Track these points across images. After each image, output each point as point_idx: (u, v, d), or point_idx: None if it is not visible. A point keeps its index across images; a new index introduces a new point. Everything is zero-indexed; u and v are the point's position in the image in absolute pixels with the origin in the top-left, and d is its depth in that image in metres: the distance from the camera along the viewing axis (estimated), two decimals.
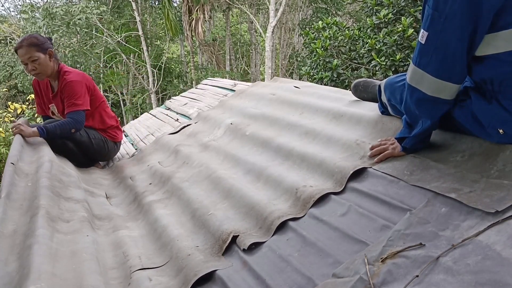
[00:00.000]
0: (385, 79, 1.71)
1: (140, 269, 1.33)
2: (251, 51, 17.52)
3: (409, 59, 5.06)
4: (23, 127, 2.24)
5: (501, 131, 1.22)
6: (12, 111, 7.94)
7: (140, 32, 12.84)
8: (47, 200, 1.60)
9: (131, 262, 1.38)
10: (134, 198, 2.01)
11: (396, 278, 0.93)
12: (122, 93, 15.72)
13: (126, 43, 13.57)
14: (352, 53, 5.82)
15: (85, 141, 2.48)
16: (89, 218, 1.65)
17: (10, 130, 2.32)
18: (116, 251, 1.50)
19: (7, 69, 12.94)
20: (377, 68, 5.17)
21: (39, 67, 2.30)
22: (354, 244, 1.13)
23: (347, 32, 5.84)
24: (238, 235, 1.36)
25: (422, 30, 1.21)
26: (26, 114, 8.43)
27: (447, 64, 1.19)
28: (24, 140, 2.19)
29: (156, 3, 15.69)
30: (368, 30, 5.73)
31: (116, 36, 12.79)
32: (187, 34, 13.57)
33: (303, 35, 6.97)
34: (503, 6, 1.06)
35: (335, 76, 5.65)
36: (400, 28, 5.10)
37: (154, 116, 3.83)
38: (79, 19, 10.82)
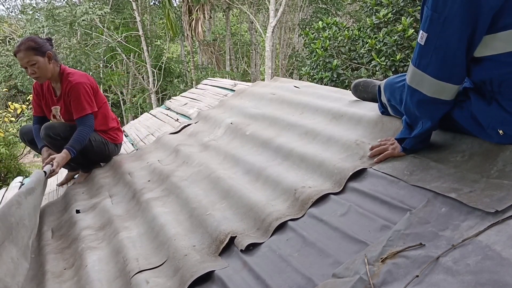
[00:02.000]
0: (385, 80, 1.71)
1: (138, 272, 1.33)
2: (251, 51, 17.52)
3: (409, 59, 5.06)
4: (57, 161, 2.21)
5: (501, 131, 1.22)
6: (12, 111, 7.94)
7: (140, 32, 12.85)
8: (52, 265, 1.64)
9: (130, 266, 1.39)
10: (133, 195, 2.01)
11: (396, 278, 0.93)
12: (122, 93, 15.72)
13: (126, 42, 13.57)
14: (352, 53, 5.82)
15: (86, 144, 2.47)
16: (87, 246, 1.66)
17: (42, 166, 2.24)
18: (117, 257, 1.51)
19: (7, 69, 12.94)
20: (377, 68, 5.17)
21: (39, 70, 2.26)
22: (354, 244, 1.13)
23: (346, 32, 5.83)
24: (236, 236, 1.36)
25: (421, 31, 1.20)
26: (26, 114, 8.43)
27: (447, 65, 1.19)
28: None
29: (156, 3, 15.70)
30: (368, 30, 5.72)
31: (116, 36, 12.80)
32: (187, 34, 13.57)
33: (303, 35, 6.97)
34: (502, 7, 1.06)
35: (335, 76, 5.65)
36: (400, 28, 5.10)
37: (154, 116, 3.83)
38: (83, 20, 10.83)
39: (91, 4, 11.52)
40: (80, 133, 2.36)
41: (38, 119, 2.57)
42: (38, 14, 11.72)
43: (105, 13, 11.36)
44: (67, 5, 11.66)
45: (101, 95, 2.62)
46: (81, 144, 2.35)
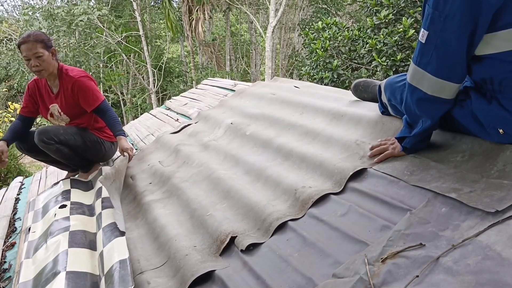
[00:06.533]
0: (385, 79, 1.71)
1: (139, 273, 1.33)
2: (251, 51, 17.53)
3: (409, 59, 5.05)
4: (127, 148, 2.41)
5: (501, 131, 1.22)
6: (12, 111, 7.94)
7: (141, 32, 12.85)
8: None
9: (131, 267, 1.38)
10: (134, 198, 2.02)
11: (396, 278, 0.93)
12: (122, 93, 15.73)
13: (126, 43, 13.58)
14: (352, 54, 5.82)
15: (81, 145, 2.47)
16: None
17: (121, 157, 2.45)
18: None
19: (6, 69, 12.94)
20: (378, 68, 5.17)
21: (43, 63, 2.29)
22: (354, 244, 1.13)
23: (346, 32, 5.83)
24: (236, 236, 1.36)
25: (422, 30, 1.21)
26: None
27: (447, 63, 1.19)
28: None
29: (157, 2, 15.70)
30: (368, 30, 5.72)
31: (117, 36, 12.80)
32: (187, 34, 13.58)
33: (303, 35, 6.97)
34: (503, 6, 1.06)
35: (335, 76, 5.64)
36: (401, 29, 5.09)
37: (154, 116, 3.83)
38: (81, 21, 10.82)
39: (90, 4, 11.51)
40: (111, 118, 2.49)
41: (22, 116, 2.55)
42: (38, 15, 11.70)
43: (103, 14, 11.35)
44: (66, 5, 11.65)
45: None
46: (120, 123, 2.52)
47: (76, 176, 2.76)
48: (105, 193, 2.02)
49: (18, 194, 2.90)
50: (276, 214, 1.38)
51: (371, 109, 1.89)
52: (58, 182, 2.53)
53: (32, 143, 2.42)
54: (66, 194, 2.23)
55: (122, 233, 1.59)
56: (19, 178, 3.33)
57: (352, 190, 1.40)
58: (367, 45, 5.42)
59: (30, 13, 11.19)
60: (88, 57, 12.16)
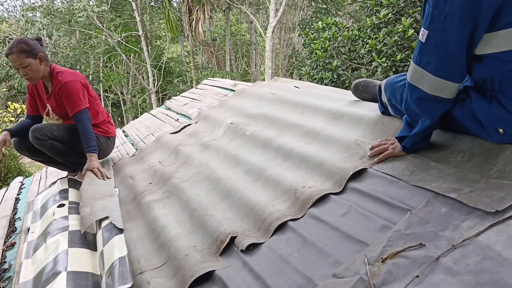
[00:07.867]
0: (386, 79, 1.71)
1: (139, 273, 1.33)
2: (251, 51, 17.53)
3: (409, 59, 5.05)
4: (93, 167, 2.37)
5: (501, 130, 1.22)
6: (12, 111, 7.94)
7: (140, 32, 12.85)
8: None
9: (131, 267, 1.38)
10: (134, 198, 2.01)
11: (396, 278, 0.93)
12: (122, 93, 15.73)
13: (126, 43, 13.58)
14: (352, 54, 5.82)
15: (75, 140, 2.46)
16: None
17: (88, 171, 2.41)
18: None
19: (6, 69, 12.93)
20: (378, 68, 5.16)
21: (31, 72, 2.29)
22: (354, 244, 1.13)
23: (346, 33, 5.83)
24: (236, 236, 1.36)
25: (422, 29, 1.21)
26: (26, 114, 8.42)
27: (447, 62, 1.19)
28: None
29: (158, 2, 15.70)
30: (368, 30, 5.72)
31: (116, 36, 12.80)
32: (187, 34, 13.58)
33: (303, 35, 6.96)
34: (502, 5, 1.06)
35: (335, 77, 5.64)
36: (401, 29, 5.09)
37: (154, 116, 3.83)
38: (80, 17, 10.83)
39: (90, 3, 11.53)
40: (83, 131, 2.42)
41: (29, 116, 2.64)
42: (38, 14, 11.70)
43: (103, 11, 11.35)
44: (66, 0, 11.69)
45: (92, 91, 2.64)
46: (92, 138, 2.42)
47: (76, 176, 2.76)
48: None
49: (18, 194, 2.90)
50: (276, 214, 1.38)
51: (371, 109, 1.89)
52: (55, 182, 2.53)
53: (30, 142, 2.42)
54: (64, 193, 2.23)
55: (121, 231, 1.60)
56: (19, 178, 3.33)
57: (352, 190, 1.40)
58: (367, 45, 5.42)
59: (30, 15, 11.19)
60: (87, 57, 12.17)
